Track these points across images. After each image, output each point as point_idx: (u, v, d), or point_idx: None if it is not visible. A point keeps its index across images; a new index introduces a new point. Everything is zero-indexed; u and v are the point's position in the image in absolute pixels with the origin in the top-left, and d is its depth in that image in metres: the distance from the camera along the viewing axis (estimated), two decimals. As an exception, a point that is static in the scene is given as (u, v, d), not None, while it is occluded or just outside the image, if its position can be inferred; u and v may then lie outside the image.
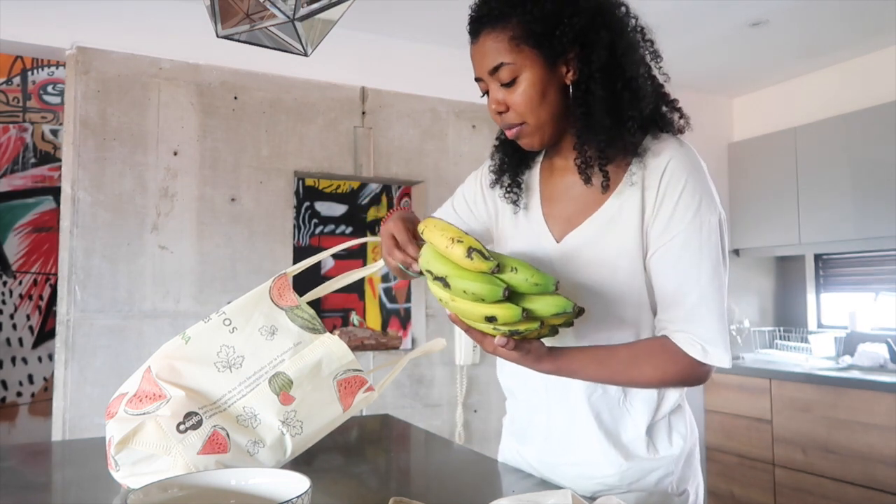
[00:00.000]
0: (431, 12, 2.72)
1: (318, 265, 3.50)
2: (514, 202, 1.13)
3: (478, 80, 1.04)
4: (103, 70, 2.44)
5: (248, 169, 2.65)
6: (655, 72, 1.03)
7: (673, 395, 1.07)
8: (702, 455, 1.99)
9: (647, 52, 1.02)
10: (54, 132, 3.53)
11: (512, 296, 0.85)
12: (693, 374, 0.97)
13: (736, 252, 3.70)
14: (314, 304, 1.11)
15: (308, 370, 1.02)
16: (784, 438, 3.07)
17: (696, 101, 3.71)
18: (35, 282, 3.45)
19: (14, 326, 3.39)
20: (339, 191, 4.00)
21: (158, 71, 2.52)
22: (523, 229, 1.13)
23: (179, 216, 2.52)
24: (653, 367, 0.97)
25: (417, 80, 3.01)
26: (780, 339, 3.70)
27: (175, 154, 2.53)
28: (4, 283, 3.38)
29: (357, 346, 2.84)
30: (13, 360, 3.37)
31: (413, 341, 3.11)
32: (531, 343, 0.92)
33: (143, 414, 0.97)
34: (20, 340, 3.39)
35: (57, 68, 3.55)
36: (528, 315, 0.85)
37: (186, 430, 0.94)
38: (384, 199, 4.10)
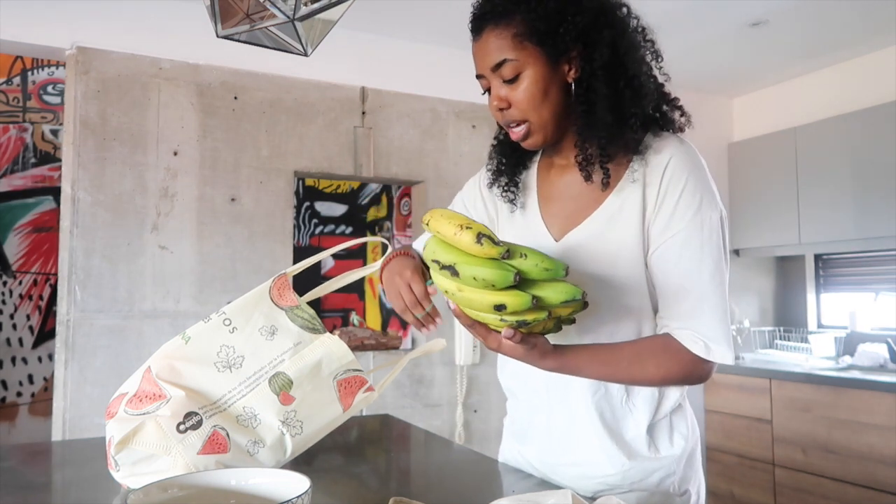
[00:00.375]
0: (431, 12, 2.72)
1: (318, 265, 3.50)
2: (511, 201, 1.14)
3: (479, 77, 1.04)
4: (103, 70, 2.44)
5: (248, 169, 2.65)
6: (656, 72, 1.04)
7: (674, 394, 1.07)
8: (702, 455, 1.98)
9: (647, 52, 1.03)
10: (54, 132, 3.53)
11: (521, 284, 0.85)
12: (696, 371, 0.98)
13: (736, 252, 3.70)
14: (314, 304, 1.11)
15: (308, 370, 1.02)
16: (784, 438, 3.07)
17: (697, 101, 3.70)
18: (35, 282, 3.45)
19: (14, 326, 3.39)
20: (339, 191, 4.00)
21: (158, 71, 2.52)
22: (521, 229, 1.13)
23: (179, 216, 2.52)
24: (656, 366, 0.97)
25: (417, 80, 3.01)
26: (780, 339, 3.70)
27: (175, 154, 2.53)
28: (4, 283, 3.38)
29: (357, 346, 2.84)
30: (13, 360, 3.37)
31: (413, 341, 3.11)
32: (537, 338, 0.92)
33: (143, 414, 0.97)
34: (20, 340, 3.39)
35: (57, 68, 3.55)
36: (538, 303, 0.84)
37: (186, 430, 0.94)
38: (384, 199, 4.10)
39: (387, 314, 4.08)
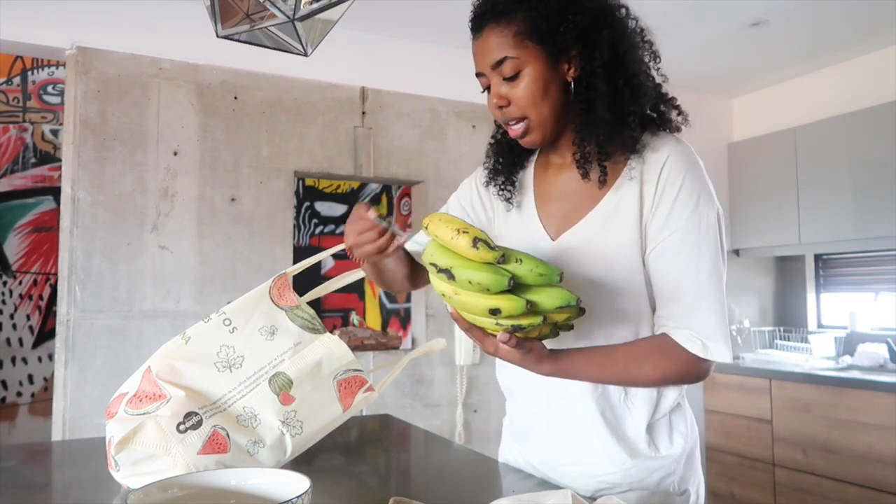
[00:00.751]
0: (431, 12, 2.72)
1: (318, 265, 3.50)
2: (508, 200, 1.14)
3: (479, 75, 1.05)
4: (103, 70, 2.44)
5: (248, 169, 2.65)
6: (654, 72, 1.05)
7: (672, 394, 1.07)
8: (702, 455, 1.99)
9: (646, 53, 1.04)
10: (54, 132, 3.53)
11: (516, 289, 0.85)
12: (694, 370, 0.98)
13: (736, 252, 3.70)
14: (314, 304, 1.11)
15: (308, 370, 1.02)
16: (784, 438, 3.07)
17: (696, 101, 3.70)
18: (35, 282, 3.46)
19: (14, 326, 3.39)
20: (339, 191, 4.00)
21: (158, 71, 2.52)
22: (517, 229, 1.13)
23: (179, 216, 2.52)
24: (653, 366, 0.97)
25: (417, 80, 3.01)
26: (780, 339, 3.70)
27: (175, 154, 2.53)
28: (4, 283, 3.38)
29: (357, 346, 2.84)
30: (13, 360, 3.37)
31: (413, 341, 3.11)
32: (532, 343, 0.92)
33: (143, 414, 0.97)
34: (20, 340, 3.40)
35: (57, 68, 3.55)
36: (532, 308, 0.85)
37: (186, 430, 0.94)
38: (384, 199, 4.10)
39: (387, 314, 4.08)
